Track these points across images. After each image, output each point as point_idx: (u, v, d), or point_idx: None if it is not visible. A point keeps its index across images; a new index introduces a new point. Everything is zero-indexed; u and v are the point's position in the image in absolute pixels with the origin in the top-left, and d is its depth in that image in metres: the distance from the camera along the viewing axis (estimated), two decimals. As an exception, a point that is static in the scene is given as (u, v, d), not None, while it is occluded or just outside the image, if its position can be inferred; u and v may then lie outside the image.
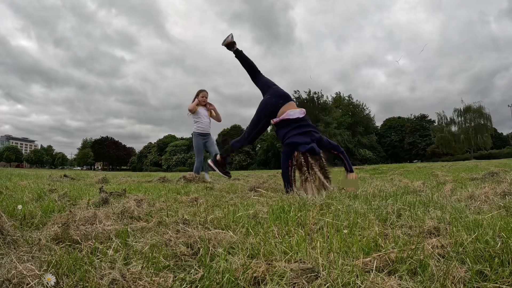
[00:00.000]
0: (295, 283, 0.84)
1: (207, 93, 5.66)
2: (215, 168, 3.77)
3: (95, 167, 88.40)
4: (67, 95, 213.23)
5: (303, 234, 1.27)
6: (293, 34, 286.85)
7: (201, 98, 5.53)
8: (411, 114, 63.35)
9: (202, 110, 5.52)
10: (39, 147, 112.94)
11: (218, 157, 3.79)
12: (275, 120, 3.24)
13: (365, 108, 56.75)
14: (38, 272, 0.85)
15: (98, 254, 1.05)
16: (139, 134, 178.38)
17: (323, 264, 0.94)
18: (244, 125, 65.13)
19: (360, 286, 0.81)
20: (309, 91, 48.09)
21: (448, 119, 44.81)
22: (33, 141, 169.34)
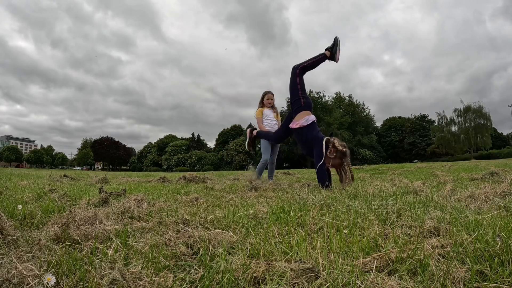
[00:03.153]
0: (295, 283, 0.84)
1: (273, 95, 5.30)
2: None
3: (95, 167, 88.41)
4: (65, 95, 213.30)
5: (303, 234, 1.27)
6: (288, 34, 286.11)
7: (267, 101, 5.22)
8: (411, 114, 63.36)
9: (268, 112, 5.20)
10: (39, 147, 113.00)
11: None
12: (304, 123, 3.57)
13: (365, 108, 56.80)
14: (38, 272, 0.85)
15: (98, 254, 1.05)
16: (138, 134, 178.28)
17: (323, 264, 0.94)
18: (244, 125, 65.14)
19: (360, 286, 0.81)
20: (310, 92, 48.08)
21: (448, 119, 44.79)
22: (33, 141, 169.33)
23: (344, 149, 3.37)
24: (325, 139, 3.45)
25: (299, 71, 3.72)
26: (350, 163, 3.42)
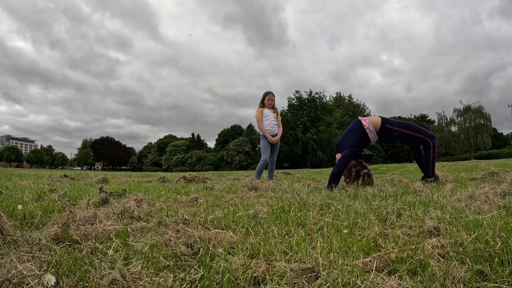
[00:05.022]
0: (295, 283, 0.84)
1: (273, 95, 5.27)
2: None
3: (95, 167, 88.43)
4: (64, 95, 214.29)
5: (303, 234, 1.27)
6: (286, 35, 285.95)
7: (267, 102, 5.22)
8: (411, 114, 63.42)
9: (268, 112, 5.22)
10: (39, 147, 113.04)
11: None
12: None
13: (365, 108, 56.83)
14: (38, 272, 0.85)
15: (98, 254, 1.05)
16: (138, 134, 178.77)
17: (323, 264, 0.94)
18: (243, 125, 65.08)
19: (360, 286, 0.81)
20: (310, 92, 48.15)
21: (448, 119, 44.78)
22: (33, 141, 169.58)
23: (360, 172, 3.63)
24: (361, 158, 3.67)
25: (412, 144, 3.84)
26: (360, 182, 3.65)
